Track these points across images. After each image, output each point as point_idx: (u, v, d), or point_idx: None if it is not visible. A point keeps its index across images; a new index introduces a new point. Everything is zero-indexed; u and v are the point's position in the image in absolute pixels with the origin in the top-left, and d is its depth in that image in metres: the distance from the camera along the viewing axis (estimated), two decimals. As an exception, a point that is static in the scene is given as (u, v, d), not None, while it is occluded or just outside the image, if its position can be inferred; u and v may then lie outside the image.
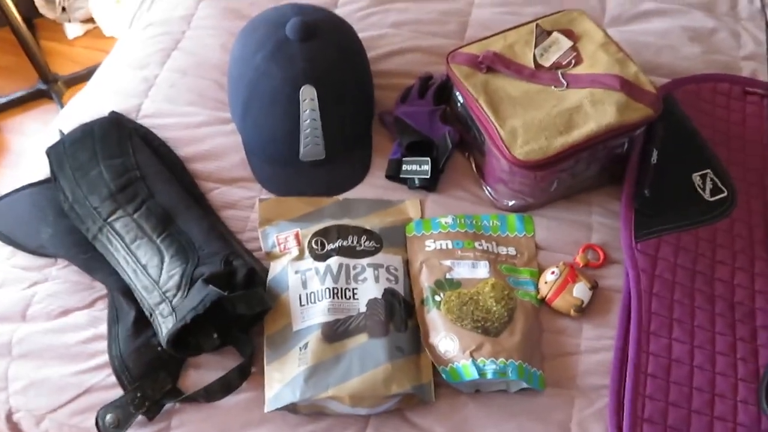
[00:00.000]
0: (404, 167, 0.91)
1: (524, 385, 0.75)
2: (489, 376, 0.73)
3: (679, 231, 0.84)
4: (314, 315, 0.77)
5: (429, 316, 0.79)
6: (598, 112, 0.81)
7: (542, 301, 0.82)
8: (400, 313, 0.79)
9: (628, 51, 0.93)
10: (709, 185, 0.89)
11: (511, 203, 0.88)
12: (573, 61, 0.88)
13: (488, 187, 0.90)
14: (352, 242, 0.83)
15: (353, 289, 0.79)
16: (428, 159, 0.89)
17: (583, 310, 0.80)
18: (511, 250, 0.86)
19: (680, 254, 0.82)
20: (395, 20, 1.10)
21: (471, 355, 0.74)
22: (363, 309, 0.78)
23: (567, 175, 0.84)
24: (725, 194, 0.88)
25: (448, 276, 0.81)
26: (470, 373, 0.73)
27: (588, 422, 0.74)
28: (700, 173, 0.90)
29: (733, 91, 0.99)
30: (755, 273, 0.83)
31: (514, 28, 0.92)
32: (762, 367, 0.75)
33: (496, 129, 0.82)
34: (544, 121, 0.82)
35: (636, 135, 0.85)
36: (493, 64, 0.88)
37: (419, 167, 0.90)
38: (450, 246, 0.84)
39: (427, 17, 1.10)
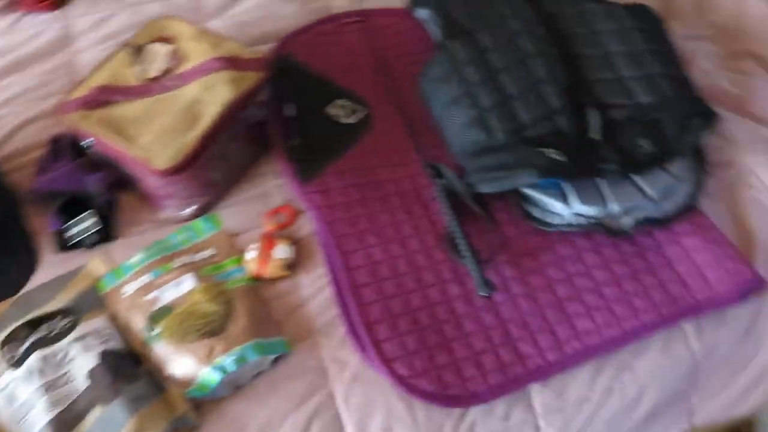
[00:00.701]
0: (69, 233, 0.87)
1: (272, 357, 0.78)
2: (231, 368, 0.75)
3: (336, 158, 0.93)
4: (36, 421, 0.72)
5: (156, 352, 0.78)
6: (214, 96, 0.86)
7: (256, 278, 0.86)
8: (127, 366, 0.77)
9: (234, 34, 0.99)
10: (346, 111, 0.99)
11: (190, 211, 0.90)
12: (177, 63, 0.92)
13: (163, 208, 0.91)
14: (47, 330, 0.79)
15: (65, 374, 0.75)
16: (91, 212, 0.87)
17: (292, 266, 0.86)
18: (209, 252, 0.88)
19: (346, 176, 0.92)
20: (2, 99, 1.04)
21: (207, 361, 0.76)
22: (84, 385, 0.74)
23: (219, 161, 0.88)
24: (361, 111, 1.00)
25: (156, 307, 0.81)
26: (214, 378, 0.75)
27: (338, 351, 0.80)
28: (334, 105, 1.00)
29: (334, 28, 1.10)
30: (409, 162, 0.95)
31: (112, 55, 0.93)
32: (442, 229, 0.88)
33: (131, 153, 0.82)
34: (171, 125, 0.84)
35: (262, 99, 0.92)
36: (103, 97, 0.87)
37: (86, 224, 0.87)
38: (148, 279, 0.84)
39: (33, 83, 1.05)
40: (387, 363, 0.77)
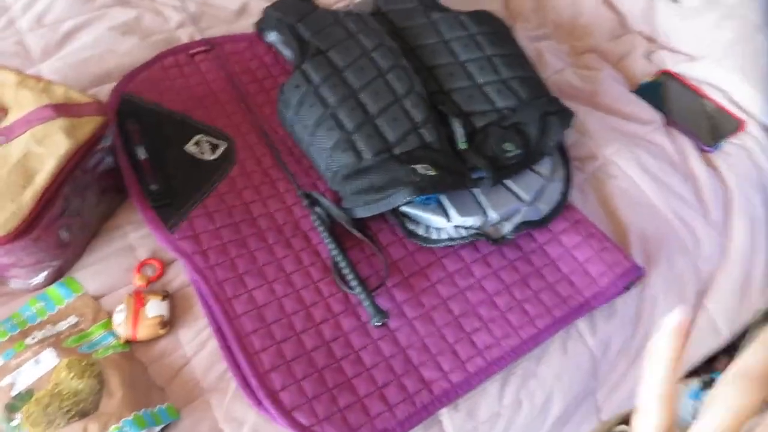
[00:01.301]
0: None
1: (158, 428, 0.71)
2: (111, 451, 0.67)
3: (202, 200, 0.87)
4: None
5: (18, 446, 0.68)
6: (49, 147, 0.76)
7: (129, 342, 0.77)
8: (-17, 470, 0.66)
9: (72, 75, 0.90)
10: (206, 146, 0.93)
11: (40, 279, 0.80)
12: (1, 115, 0.81)
13: (8, 279, 0.80)
14: None
15: None
16: None
17: (168, 323, 0.78)
18: (72, 320, 0.78)
19: (215, 218, 0.86)
20: None
21: (80, 448, 0.67)
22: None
23: (69, 220, 0.79)
24: (224, 146, 0.94)
25: (13, 394, 0.70)
26: (90, 466, 0.66)
27: (232, 409, 0.74)
28: (192, 142, 0.93)
29: (181, 60, 1.04)
30: (282, 192, 0.91)
31: None
32: (327, 259, 0.84)
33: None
34: (1, 187, 0.74)
35: (106, 146, 0.83)
36: None
37: None
38: (0, 362, 0.73)
39: None
40: (287, 414, 0.72)
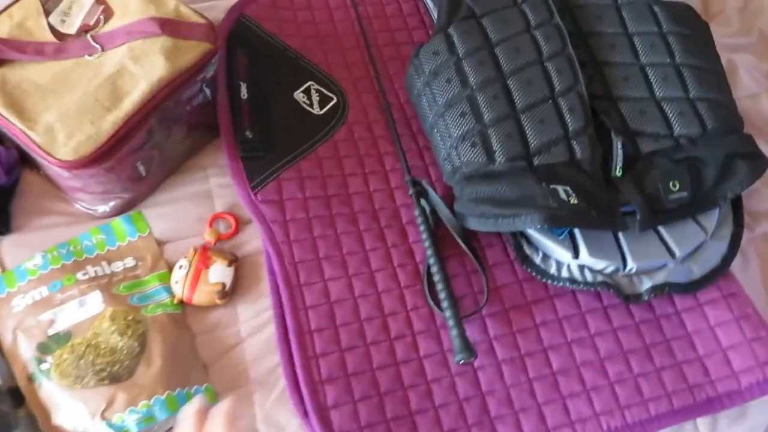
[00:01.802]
0: (-51, 224, 0.69)
1: (190, 410, 0.62)
2: (133, 430, 0.59)
3: (297, 161, 0.75)
4: None
5: (43, 392, 0.61)
6: (144, 68, 0.66)
7: (182, 303, 0.69)
8: (3, 407, 0.60)
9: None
10: (315, 98, 0.81)
11: (108, 208, 0.72)
12: (102, 17, 0.71)
13: (73, 201, 0.72)
14: None
15: None
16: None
17: (229, 293, 0.69)
18: (129, 262, 0.70)
19: (307, 185, 0.74)
20: None
21: (103, 416, 0.59)
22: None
23: (149, 153, 0.70)
24: (335, 100, 0.81)
25: (51, 332, 0.64)
26: (108, 442, 0.59)
27: (274, 411, 0.64)
28: (302, 89, 0.81)
29: (310, -11, 0.90)
30: (387, 171, 0.78)
31: (16, 1, 0.72)
32: (420, 263, 0.72)
33: (27, 134, 0.63)
34: (83, 103, 0.65)
35: (207, 77, 0.73)
36: (1, 55, 0.67)
37: (-32, 212, 0.69)
38: (46, 293, 0.66)
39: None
40: (332, 437, 0.62)
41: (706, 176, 0.70)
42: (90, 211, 0.73)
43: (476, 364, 0.67)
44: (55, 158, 0.62)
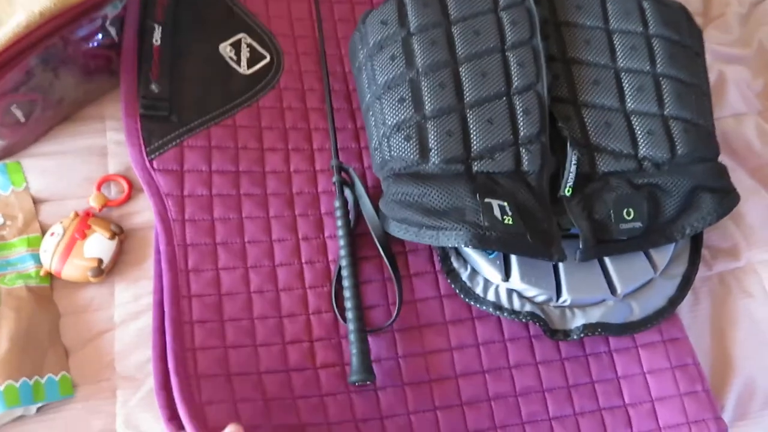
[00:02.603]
0: None
1: (36, 405, 0.54)
2: (-41, 423, 0.51)
3: (208, 126, 0.65)
4: None
5: None
6: (27, -5, 0.56)
7: (50, 276, 0.60)
8: None
9: None
10: (245, 53, 0.70)
11: (-21, 152, 0.62)
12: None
13: (-60, 139, 0.62)
14: None
15: None
16: None
17: (105, 271, 0.60)
18: (-3, 219, 0.61)
19: (215, 157, 0.64)
20: None
21: (-75, 404, 0.51)
22: None
23: (29, 96, 0.59)
24: (267, 59, 0.71)
25: None
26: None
27: (136, 414, 0.56)
28: (230, 41, 0.70)
29: None
30: (315, 149, 0.68)
31: None
32: (333, 262, 0.63)
33: None
34: (-55, 27, 0.54)
35: (113, 15, 0.61)
36: None
37: None
38: None
39: None
40: (204, 437, 0.54)
41: (666, 207, 0.62)
42: None
43: (378, 383, 0.60)
44: None
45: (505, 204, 0.57)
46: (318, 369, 0.59)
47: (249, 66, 0.70)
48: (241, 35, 0.71)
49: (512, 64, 0.62)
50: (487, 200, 0.56)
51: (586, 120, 0.64)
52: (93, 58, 0.62)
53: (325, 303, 0.62)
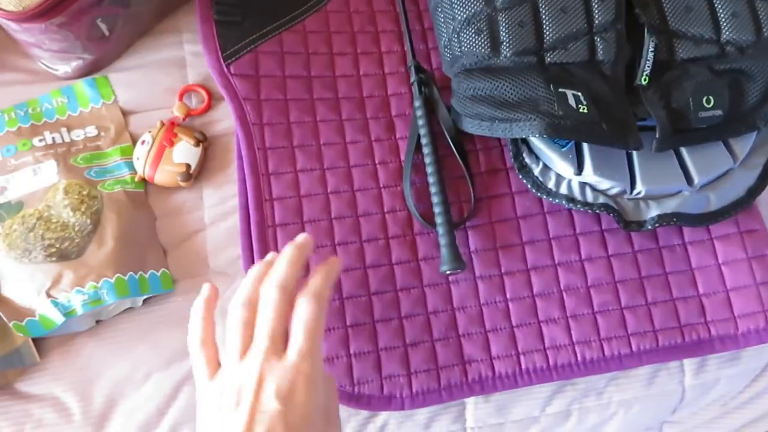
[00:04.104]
0: None
1: (143, 297, 0.60)
2: (80, 311, 0.57)
3: (279, 32, 0.66)
4: None
5: (-7, 261, 0.59)
6: None
7: (144, 181, 0.64)
8: (-50, 274, 0.58)
9: None
10: (310, -42, 0.70)
11: (69, 69, 0.65)
12: None
13: (34, 57, 0.66)
14: None
15: None
16: None
17: (194, 176, 0.64)
18: (91, 131, 0.65)
19: (288, 62, 0.66)
20: None
21: (49, 294, 0.57)
22: None
23: (112, 9, 0.61)
24: (333, -37, 0.70)
25: (2, 200, 0.60)
26: (53, 321, 0.57)
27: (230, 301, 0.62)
28: (294, -55, 0.70)
29: None
30: (383, 52, 0.68)
31: None
32: (404, 162, 0.65)
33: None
34: (30, -56, 0.56)
35: None
36: None
37: None
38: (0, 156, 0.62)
39: None
40: (287, 338, 0.59)
41: (749, 93, 0.60)
42: (51, 71, 0.66)
43: (450, 277, 0.62)
44: (-2, 8, 0.55)
45: (580, 94, 0.56)
46: (393, 265, 0.62)
47: (315, -31, 0.70)
48: (305, -63, 0.70)
49: (586, -52, 0.60)
50: (561, 90, 0.56)
51: (664, 4, 0.61)
52: None
53: (399, 202, 0.64)
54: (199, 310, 0.51)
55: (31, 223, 0.59)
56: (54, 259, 0.58)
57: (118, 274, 0.58)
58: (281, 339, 0.46)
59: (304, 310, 0.47)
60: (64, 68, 0.65)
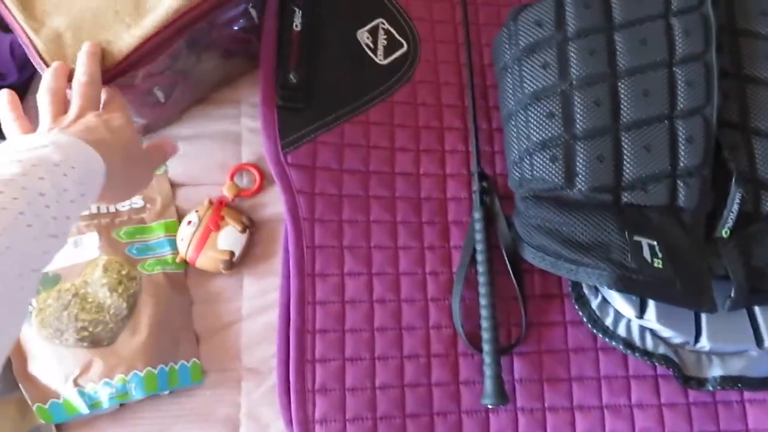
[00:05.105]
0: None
1: (168, 390, 0.58)
2: (105, 405, 0.55)
3: (341, 122, 0.64)
4: None
5: (22, 335, 0.57)
6: (180, -21, 0.54)
7: (185, 262, 0.62)
8: (-22, 346, 0.56)
9: None
10: (382, 41, 0.67)
11: (122, 133, 0.63)
12: None
13: (87, 117, 0.64)
14: None
15: None
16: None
17: (236, 264, 0.61)
18: (137, 201, 0.63)
19: (346, 155, 0.63)
20: None
21: (76, 382, 0.55)
22: None
23: (172, 79, 0.59)
24: (405, 49, 0.67)
25: (40, 271, 0.59)
26: (76, 408, 0.55)
27: (258, 406, 0.59)
28: (368, 27, 0.67)
29: None
30: (446, 151, 0.65)
31: None
32: (456, 275, 0.62)
33: (30, 37, 0.53)
34: (100, 13, 0.53)
35: None
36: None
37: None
38: (41, 223, 0.60)
39: None
40: (313, 455, 0.56)
41: (836, 258, 0.56)
42: None
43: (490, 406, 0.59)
44: (58, 75, 0.53)
45: (655, 244, 0.52)
46: (432, 386, 0.59)
47: (386, 55, 0.66)
48: (379, 20, 0.67)
49: (680, 82, 0.56)
50: (636, 238, 0.52)
51: (756, 150, 0.57)
52: (234, 41, 0.61)
53: (445, 317, 0.61)
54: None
55: (66, 299, 0.57)
56: (86, 344, 0.56)
57: (149, 368, 0.56)
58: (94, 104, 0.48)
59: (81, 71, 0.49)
60: (117, 133, 0.63)
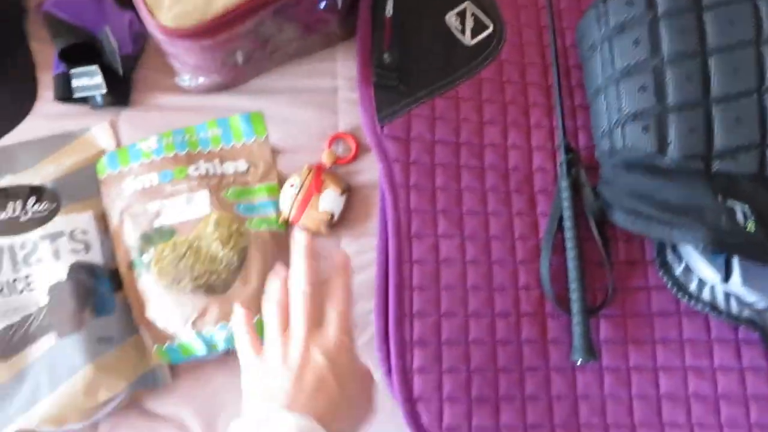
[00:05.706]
0: (74, 82, 0.66)
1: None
2: (220, 347, 0.59)
3: (433, 97, 0.67)
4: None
5: (141, 283, 0.61)
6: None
7: (286, 223, 0.66)
8: (100, 292, 0.60)
9: None
10: (469, 23, 0.71)
11: (197, 82, 0.67)
12: None
13: (175, 73, 0.67)
14: (14, 212, 0.62)
15: (26, 277, 0.60)
16: (95, 67, 0.65)
17: (335, 224, 0.65)
18: (241, 165, 0.67)
19: (438, 127, 0.66)
20: None
21: (194, 325, 0.59)
22: (43, 301, 0.59)
23: (252, 43, 0.62)
24: (490, 30, 0.71)
25: (156, 224, 0.63)
26: (196, 350, 0.59)
27: (361, 353, 0.62)
28: (456, 10, 0.71)
29: None
30: (531, 125, 0.69)
31: None
32: (542, 240, 0.65)
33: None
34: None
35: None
36: None
37: (90, 79, 0.66)
38: (156, 181, 0.64)
39: None
40: (410, 402, 0.59)
41: None
42: (180, 81, 0.68)
43: (577, 363, 0.62)
44: (155, 19, 0.57)
45: (746, 206, 0.55)
46: (522, 343, 0.62)
47: (473, 36, 0.70)
48: (466, 3, 0.71)
49: (767, 59, 0.59)
50: (729, 202, 0.55)
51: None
52: (315, 19, 0.65)
53: (533, 279, 0.64)
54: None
55: (181, 251, 0.61)
56: (202, 291, 0.59)
57: (258, 315, 0.59)
58: (317, 321, 0.48)
59: (336, 296, 0.50)
60: (190, 81, 0.67)
